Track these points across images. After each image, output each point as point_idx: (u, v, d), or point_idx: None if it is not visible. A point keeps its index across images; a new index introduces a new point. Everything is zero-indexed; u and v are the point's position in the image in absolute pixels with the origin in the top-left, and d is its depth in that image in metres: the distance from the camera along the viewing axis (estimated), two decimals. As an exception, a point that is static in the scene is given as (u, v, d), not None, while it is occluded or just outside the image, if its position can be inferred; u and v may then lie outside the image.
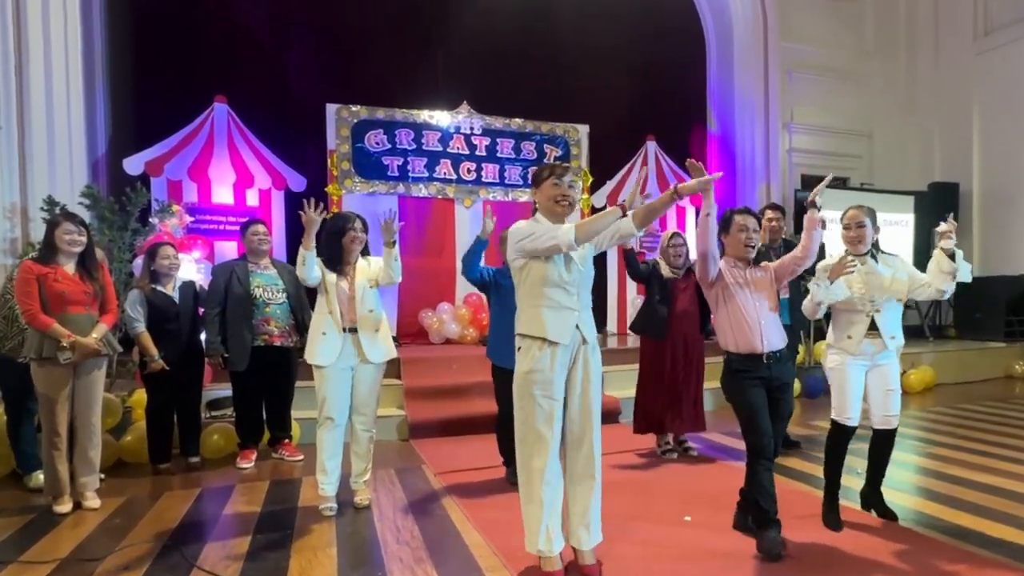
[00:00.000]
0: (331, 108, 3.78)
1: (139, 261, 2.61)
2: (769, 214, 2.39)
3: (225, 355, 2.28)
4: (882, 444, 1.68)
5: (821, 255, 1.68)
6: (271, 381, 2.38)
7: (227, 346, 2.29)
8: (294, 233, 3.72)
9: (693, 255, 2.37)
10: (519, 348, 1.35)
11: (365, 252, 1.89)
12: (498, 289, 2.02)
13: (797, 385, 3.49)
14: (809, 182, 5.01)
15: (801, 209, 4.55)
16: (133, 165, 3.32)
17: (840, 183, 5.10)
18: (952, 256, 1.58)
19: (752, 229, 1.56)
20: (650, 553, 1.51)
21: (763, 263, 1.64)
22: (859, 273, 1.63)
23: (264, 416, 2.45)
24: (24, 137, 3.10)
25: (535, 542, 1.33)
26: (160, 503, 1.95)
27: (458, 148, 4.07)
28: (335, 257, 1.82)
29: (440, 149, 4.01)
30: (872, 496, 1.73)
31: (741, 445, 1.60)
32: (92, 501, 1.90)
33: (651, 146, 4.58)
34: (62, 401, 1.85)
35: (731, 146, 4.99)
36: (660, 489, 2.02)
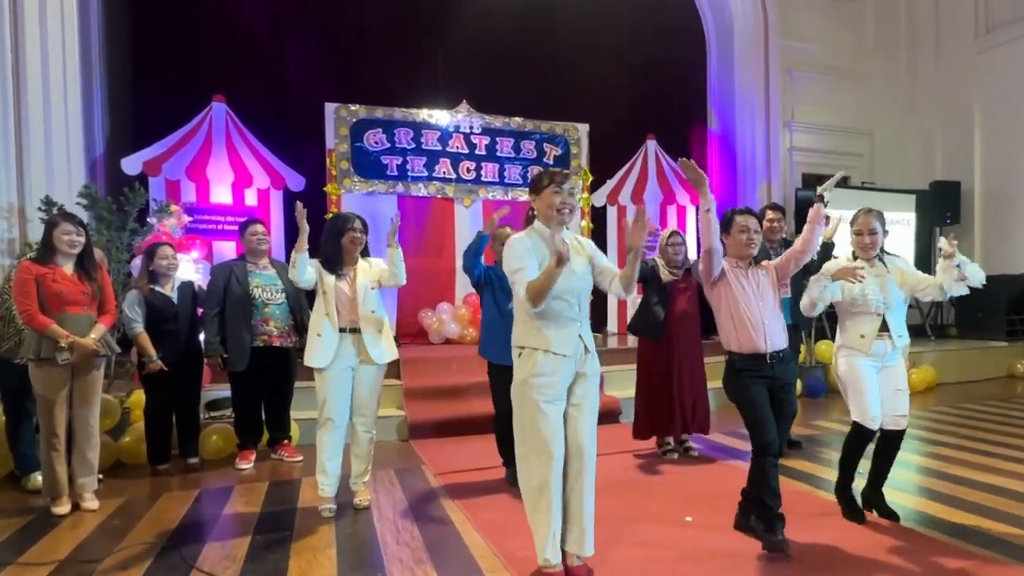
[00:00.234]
0: (330, 107, 3.77)
1: (137, 261, 2.60)
2: (769, 214, 2.39)
3: (224, 355, 2.27)
4: (889, 445, 1.67)
5: (827, 256, 1.67)
6: (270, 382, 2.37)
7: (226, 346, 2.28)
8: (293, 233, 3.66)
9: (692, 254, 2.37)
10: (519, 355, 1.33)
11: (365, 253, 1.89)
12: (493, 287, 2.01)
13: (798, 385, 3.50)
14: (810, 181, 4.99)
15: (802, 208, 4.51)
16: (131, 165, 3.30)
17: (841, 182, 5.09)
18: (959, 269, 1.58)
19: (753, 230, 1.56)
20: (651, 554, 1.50)
21: (764, 262, 1.63)
22: (870, 274, 1.64)
23: (263, 417, 2.45)
24: (21, 137, 3.09)
25: (544, 552, 1.31)
26: (159, 504, 1.94)
27: (457, 147, 4.06)
28: (335, 258, 1.81)
29: (439, 148, 4.00)
30: (873, 496, 1.73)
31: (742, 445, 1.60)
32: (91, 502, 1.90)
33: (651, 145, 4.56)
34: (60, 402, 1.85)
35: (731, 145, 4.97)
36: (661, 489, 2.01)
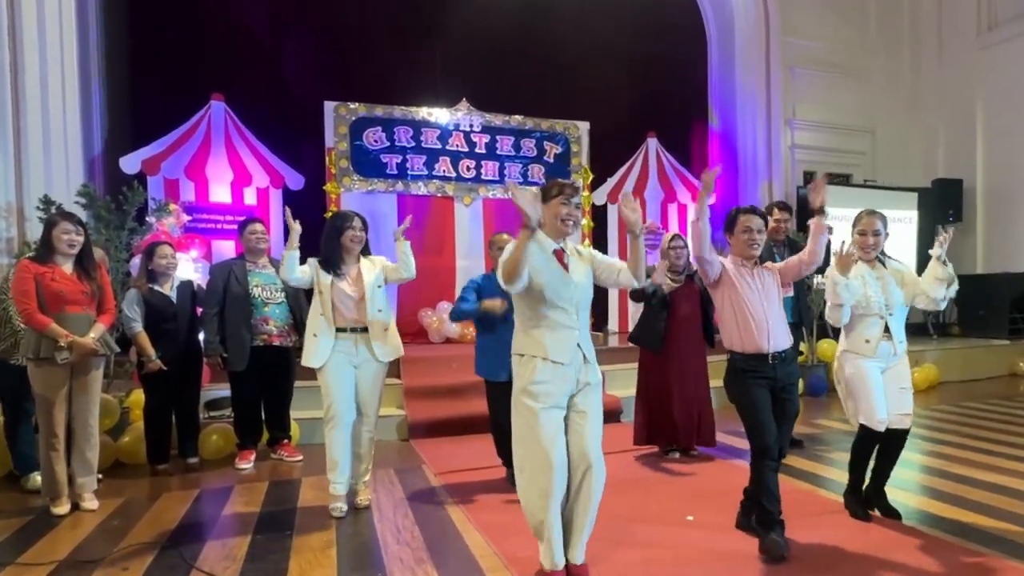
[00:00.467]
0: (329, 105, 3.75)
1: (136, 260, 2.60)
2: (776, 214, 2.38)
3: (224, 355, 2.27)
4: (893, 443, 1.67)
5: (826, 262, 1.66)
6: (270, 381, 2.37)
7: (226, 346, 2.27)
8: (291, 232, 3.71)
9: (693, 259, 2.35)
10: (518, 363, 1.32)
11: (366, 252, 1.87)
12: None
13: (800, 384, 3.49)
14: (811, 179, 4.99)
15: (803, 206, 4.50)
16: (129, 164, 3.29)
17: (843, 180, 5.07)
18: (944, 263, 1.59)
19: (756, 230, 1.54)
20: (652, 553, 1.50)
21: (768, 263, 1.62)
22: (871, 276, 1.64)
23: (263, 416, 2.44)
24: (20, 136, 3.08)
25: (548, 560, 1.31)
26: (158, 504, 1.94)
27: (457, 145, 4.04)
28: (334, 257, 1.78)
29: (439, 147, 3.98)
30: (875, 495, 1.72)
31: (743, 444, 1.59)
32: (90, 502, 1.89)
33: (652, 143, 4.54)
34: (59, 402, 1.84)
35: (733, 143, 4.95)
36: (662, 488, 2.01)
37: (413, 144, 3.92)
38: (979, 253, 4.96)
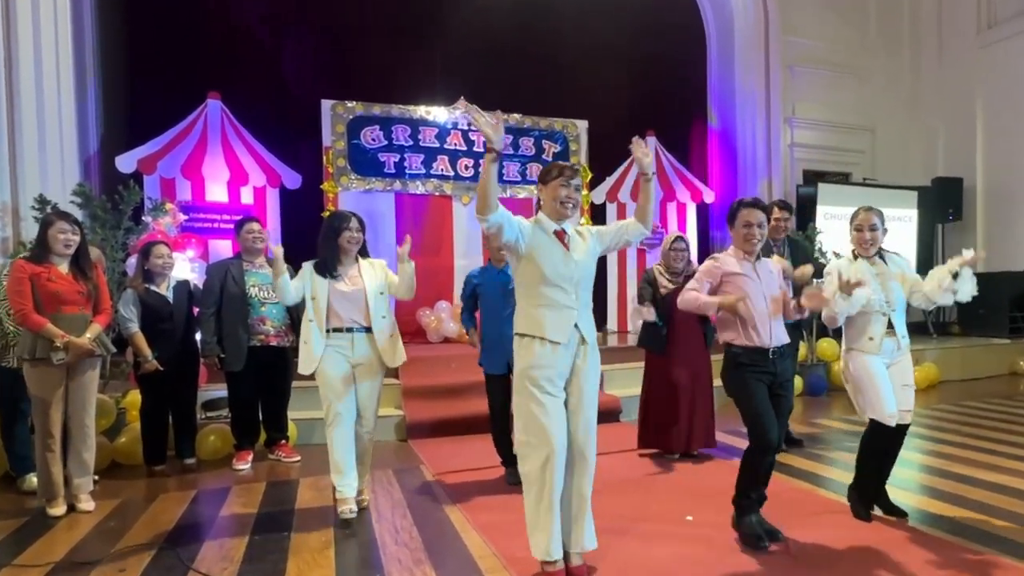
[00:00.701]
0: (326, 104, 3.73)
1: (132, 260, 2.59)
2: (776, 212, 2.36)
3: (221, 355, 2.25)
4: (893, 440, 1.66)
5: (818, 273, 1.65)
6: (267, 381, 2.36)
7: (223, 346, 2.26)
8: (289, 231, 3.68)
9: (695, 260, 2.34)
10: (518, 345, 1.33)
11: (364, 253, 1.84)
12: (484, 297, 2.01)
13: (800, 383, 3.46)
14: (811, 177, 4.96)
15: (803, 205, 4.45)
16: (125, 163, 3.27)
17: (843, 178, 5.07)
18: (955, 276, 1.57)
19: (757, 224, 1.52)
20: (652, 553, 1.49)
21: (775, 257, 1.62)
22: (870, 273, 1.63)
23: (260, 417, 2.43)
24: (14, 135, 3.06)
25: (543, 548, 1.29)
26: (155, 505, 1.93)
27: (455, 144, 4.02)
28: (331, 259, 1.75)
29: (437, 145, 3.96)
30: (877, 494, 1.72)
31: (744, 443, 1.58)
32: (86, 503, 1.88)
33: (651, 142, 4.52)
34: (55, 402, 1.83)
35: (732, 141, 4.94)
36: (661, 488, 2.00)
37: (411, 143, 3.90)
38: (979, 252, 4.96)
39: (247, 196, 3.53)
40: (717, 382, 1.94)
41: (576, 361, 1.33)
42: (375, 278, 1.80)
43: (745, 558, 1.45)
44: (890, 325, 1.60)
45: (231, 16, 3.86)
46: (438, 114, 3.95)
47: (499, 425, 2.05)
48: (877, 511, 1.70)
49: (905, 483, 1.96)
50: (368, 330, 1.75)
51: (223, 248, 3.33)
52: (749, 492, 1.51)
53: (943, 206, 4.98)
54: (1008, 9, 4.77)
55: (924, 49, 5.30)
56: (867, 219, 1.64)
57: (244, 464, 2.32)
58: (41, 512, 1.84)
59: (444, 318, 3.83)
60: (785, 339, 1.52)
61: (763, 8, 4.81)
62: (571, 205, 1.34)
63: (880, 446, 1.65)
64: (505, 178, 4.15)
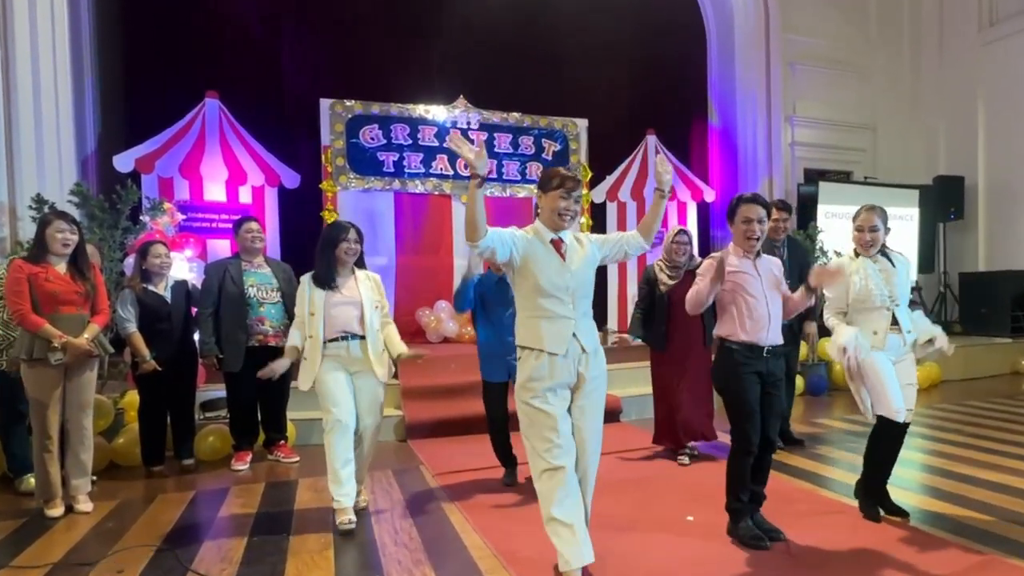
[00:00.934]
0: (325, 103, 3.71)
1: (130, 260, 2.57)
2: (775, 214, 2.35)
3: (220, 355, 2.24)
4: (894, 440, 1.65)
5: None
6: (266, 382, 2.28)
7: (221, 346, 2.25)
8: (288, 231, 3.67)
9: (696, 254, 2.33)
10: (519, 359, 1.33)
11: (360, 264, 1.83)
12: (483, 306, 1.99)
13: (801, 382, 3.45)
14: (812, 176, 4.94)
15: (804, 204, 4.43)
16: (123, 162, 3.26)
17: (844, 177, 5.05)
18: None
19: (756, 220, 1.51)
20: (652, 553, 1.49)
21: (776, 259, 1.61)
22: (873, 268, 1.63)
23: (259, 417, 2.42)
24: (11, 134, 3.04)
25: (571, 560, 1.26)
26: (153, 506, 1.92)
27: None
28: (329, 271, 1.74)
29: (436, 144, 3.94)
30: (879, 494, 1.71)
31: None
32: (84, 504, 1.88)
33: (651, 140, 4.51)
34: (53, 403, 1.82)
35: (732, 140, 4.92)
36: (662, 489, 2.00)
37: (410, 142, 3.89)
38: (980, 251, 4.94)
39: (245, 195, 3.52)
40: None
41: (579, 370, 1.31)
42: (371, 291, 1.79)
43: (746, 558, 1.44)
44: (895, 322, 1.59)
45: (229, 15, 3.84)
46: (437, 113, 3.94)
47: (497, 430, 2.03)
48: (879, 511, 1.69)
49: (907, 483, 1.95)
50: (364, 337, 1.75)
51: (221, 248, 3.32)
52: (740, 495, 1.50)
53: (944, 205, 4.97)
54: (1010, 6, 4.74)
55: (925, 47, 5.28)
56: (868, 220, 1.64)
57: (243, 465, 2.32)
58: (39, 513, 1.84)
59: (443, 318, 3.82)
60: (779, 340, 1.52)
61: (763, 5, 4.79)
62: (569, 217, 1.32)
63: (889, 442, 1.64)
64: (505, 177, 4.13)
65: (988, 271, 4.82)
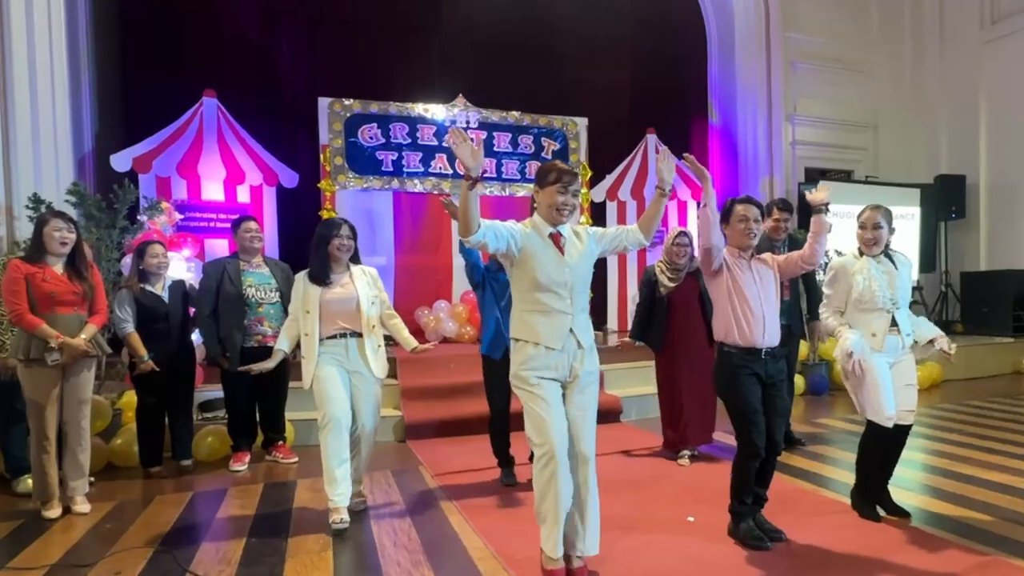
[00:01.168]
0: (323, 102, 3.69)
1: (127, 260, 2.56)
2: (776, 213, 2.34)
3: (226, 355, 2.22)
4: (896, 441, 1.65)
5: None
6: (264, 382, 2.30)
7: (222, 346, 2.24)
8: (286, 230, 3.66)
9: (697, 254, 2.33)
10: (512, 349, 1.32)
11: (356, 260, 1.82)
12: (492, 287, 1.99)
13: (801, 382, 3.45)
14: (813, 175, 4.93)
15: (804, 203, 4.45)
16: (120, 161, 3.24)
17: (845, 176, 5.03)
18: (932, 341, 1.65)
19: (753, 219, 1.52)
20: (653, 554, 1.48)
21: (767, 254, 1.60)
22: (876, 269, 1.62)
23: (257, 418, 2.41)
24: (8, 134, 3.03)
25: (548, 545, 1.29)
26: (151, 507, 1.91)
27: (454, 142, 4.02)
28: (323, 266, 1.74)
29: (435, 143, 3.93)
30: (879, 494, 1.70)
31: (746, 445, 1.56)
32: (82, 506, 1.87)
33: (651, 139, 4.49)
34: (50, 404, 1.81)
35: (733, 139, 4.91)
36: (663, 489, 1.99)
37: (409, 141, 3.87)
38: (982, 250, 4.93)
39: (244, 195, 3.51)
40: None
41: (574, 365, 1.31)
42: (367, 286, 1.78)
43: (747, 559, 1.44)
44: (894, 323, 1.59)
45: (227, 13, 3.84)
46: (436, 112, 3.92)
47: (497, 418, 2.02)
48: (880, 511, 1.68)
49: (908, 483, 1.95)
50: (361, 335, 1.74)
51: (219, 247, 3.31)
52: (744, 498, 1.50)
53: (946, 203, 4.95)
54: (1011, 5, 4.72)
55: (927, 45, 5.26)
56: (871, 218, 1.63)
57: (241, 465, 2.31)
58: (36, 514, 1.83)
59: (443, 318, 3.81)
60: (777, 341, 1.52)
61: (764, 4, 4.77)
62: (567, 211, 1.31)
63: (879, 447, 1.64)
64: (504, 176, 4.12)
65: (990, 270, 4.81)
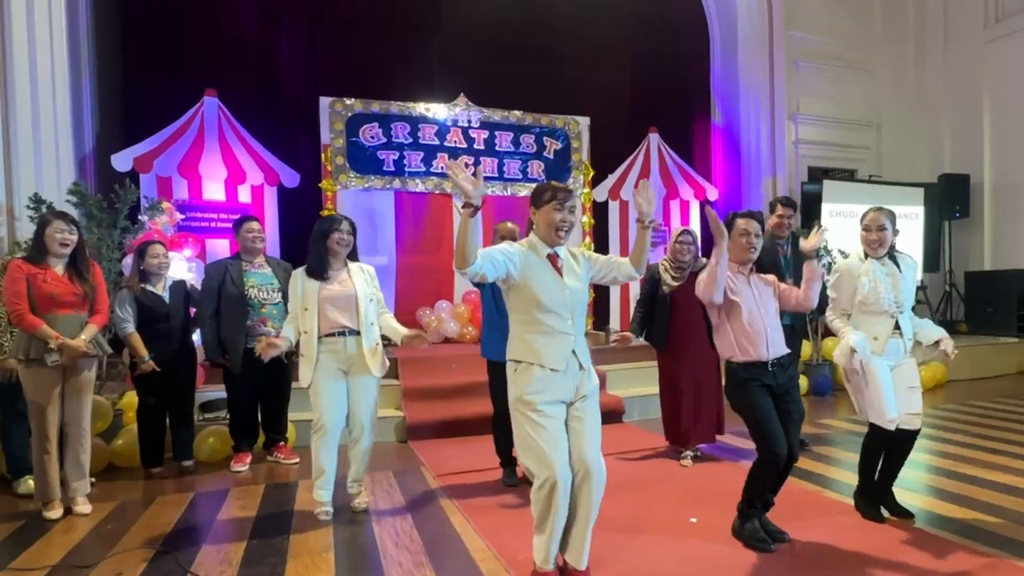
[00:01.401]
0: (324, 101, 3.69)
1: (128, 260, 2.56)
2: (780, 210, 2.34)
3: (227, 356, 2.22)
4: (902, 444, 1.64)
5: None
6: (266, 383, 2.33)
7: (222, 347, 2.24)
8: (288, 230, 3.65)
9: (700, 255, 2.32)
10: (513, 371, 1.29)
11: (354, 257, 1.82)
12: (495, 288, 1.97)
13: (805, 383, 3.43)
14: (816, 174, 4.91)
15: (808, 203, 4.40)
16: (121, 161, 3.24)
17: (848, 175, 5.01)
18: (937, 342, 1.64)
19: (754, 233, 1.53)
20: (656, 554, 1.48)
21: (771, 276, 1.62)
22: (881, 272, 1.61)
23: (259, 418, 2.41)
24: (9, 133, 3.03)
25: (541, 555, 1.29)
26: (152, 508, 1.91)
27: (455, 142, 3.98)
28: (322, 261, 1.73)
29: (437, 143, 3.92)
30: (883, 495, 1.69)
31: (746, 444, 1.56)
32: (83, 506, 1.87)
33: (654, 138, 4.48)
34: (51, 404, 1.81)
35: (736, 138, 4.89)
36: (666, 490, 1.98)
37: (410, 140, 3.86)
38: (986, 249, 4.91)
39: (245, 195, 3.50)
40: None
41: (578, 387, 1.29)
42: (365, 283, 1.78)
43: (751, 560, 1.43)
44: (897, 326, 1.59)
45: (227, 13, 3.82)
46: (438, 111, 3.91)
47: (502, 418, 2.00)
48: (884, 512, 1.68)
49: (912, 484, 1.94)
50: (359, 334, 1.74)
51: (221, 247, 3.30)
52: (755, 502, 1.50)
53: (950, 203, 4.93)
54: (1016, 3, 4.70)
55: (930, 44, 5.23)
56: (875, 219, 1.63)
57: (242, 466, 2.31)
58: (37, 515, 1.83)
59: (444, 318, 3.80)
60: (783, 349, 1.52)
61: (767, 2, 4.75)
62: (566, 229, 1.29)
63: (880, 450, 1.63)
64: (506, 176, 4.10)
65: (994, 270, 4.79)
